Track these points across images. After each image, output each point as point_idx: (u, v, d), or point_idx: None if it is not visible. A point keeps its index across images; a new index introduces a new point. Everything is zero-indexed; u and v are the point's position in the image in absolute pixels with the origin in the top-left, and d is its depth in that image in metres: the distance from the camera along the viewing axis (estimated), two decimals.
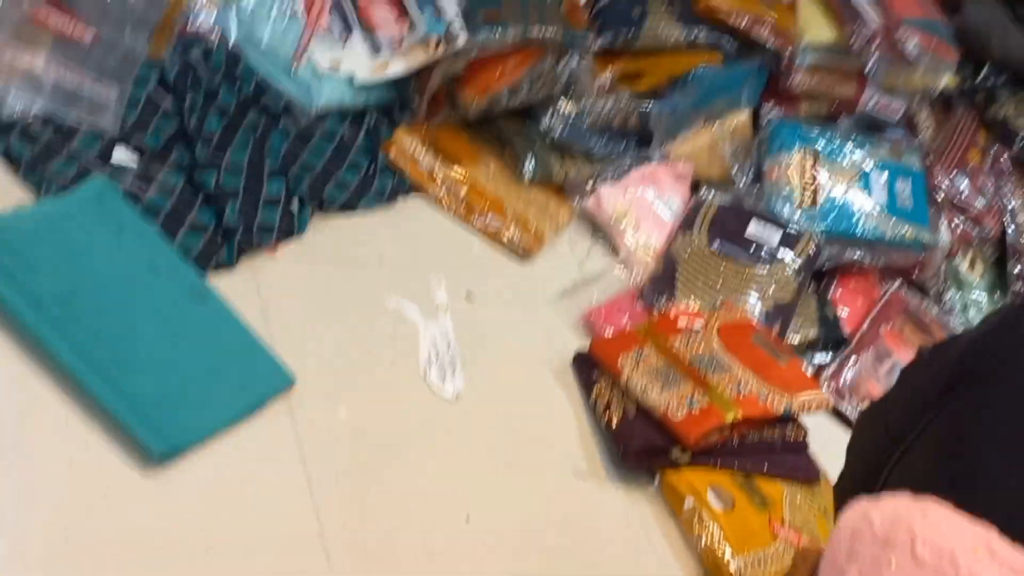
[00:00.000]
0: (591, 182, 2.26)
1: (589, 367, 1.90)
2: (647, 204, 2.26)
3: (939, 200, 2.44)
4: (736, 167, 2.32)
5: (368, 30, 2.18)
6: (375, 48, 2.16)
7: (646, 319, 2.01)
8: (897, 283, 2.34)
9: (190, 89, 1.89)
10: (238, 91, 1.97)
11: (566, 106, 2.25)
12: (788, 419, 1.86)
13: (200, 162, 1.78)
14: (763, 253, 2.15)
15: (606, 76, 2.28)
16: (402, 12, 2.22)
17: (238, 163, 1.83)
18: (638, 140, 2.37)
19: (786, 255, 2.16)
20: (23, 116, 1.66)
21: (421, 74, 2.15)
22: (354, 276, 1.84)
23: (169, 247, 1.59)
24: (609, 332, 1.98)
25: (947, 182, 2.47)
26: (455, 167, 2.14)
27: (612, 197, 2.23)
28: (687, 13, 2.30)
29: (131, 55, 1.85)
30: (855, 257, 2.28)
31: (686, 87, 2.32)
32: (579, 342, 1.97)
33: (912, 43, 2.34)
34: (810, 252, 2.18)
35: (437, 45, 2.12)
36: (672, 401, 1.75)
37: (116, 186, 1.61)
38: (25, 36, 1.74)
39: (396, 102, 2.20)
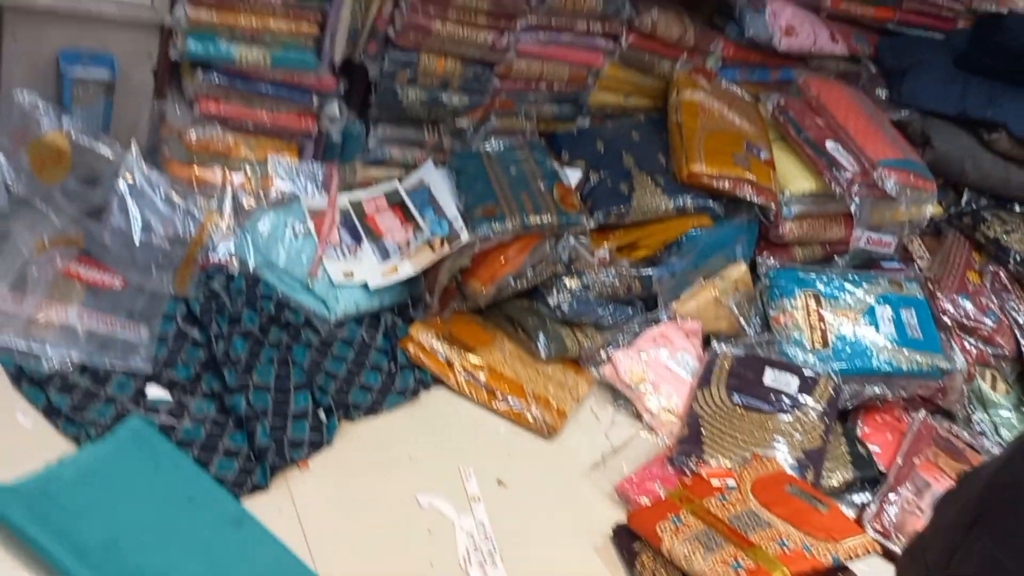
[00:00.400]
0: (605, 350, 2.33)
1: (629, 539, 1.89)
2: (662, 364, 2.31)
3: (948, 325, 2.48)
4: (742, 318, 2.39)
5: (376, 238, 2.32)
6: (384, 254, 2.29)
7: (678, 483, 2.01)
8: (923, 413, 2.35)
9: (215, 317, 1.99)
10: (260, 312, 2.08)
11: (571, 282, 2.34)
12: (838, 569, 1.83)
13: (229, 387, 1.85)
14: (784, 401, 2.18)
15: (604, 250, 2.39)
16: (406, 217, 2.37)
17: (265, 382, 1.91)
18: (644, 304, 2.45)
19: (807, 400, 2.18)
20: (60, 368, 1.76)
21: (429, 272, 2.26)
22: (386, 479, 1.87)
23: (205, 476, 1.64)
24: (644, 501, 1.98)
25: (951, 307, 2.52)
26: (472, 354, 2.21)
27: (627, 362, 2.29)
28: (671, 183, 2.44)
29: (158, 294, 1.97)
30: (876, 392, 2.30)
31: (682, 250, 2.42)
32: (616, 513, 1.97)
33: (891, 181, 2.46)
34: (830, 394, 2.21)
35: (442, 244, 2.25)
36: (717, 567, 1.73)
37: (151, 423, 1.68)
38: (59, 292, 1.87)
39: (409, 301, 2.31)
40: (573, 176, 2.49)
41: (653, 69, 2.64)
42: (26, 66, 2.07)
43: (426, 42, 2.32)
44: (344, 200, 2.41)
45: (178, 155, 2.23)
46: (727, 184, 2.40)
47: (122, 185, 2.07)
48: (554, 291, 2.33)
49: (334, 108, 2.34)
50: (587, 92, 2.63)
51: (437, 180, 2.43)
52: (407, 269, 2.25)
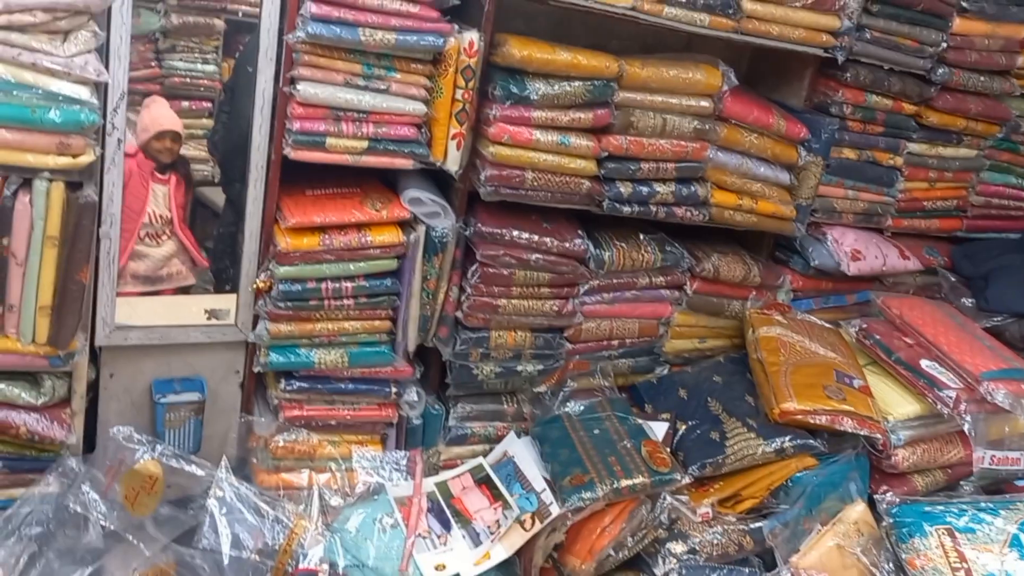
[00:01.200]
0: None
1: None
2: None
3: None
4: (873, 567, 2.16)
5: (465, 522, 2.24)
6: (475, 540, 2.19)
7: None
8: None
9: None
10: None
11: (676, 546, 2.19)
12: None
13: None
14: None
15: (706, 505, 2.25)
16: (494, 495, 2.30)
17: None
18: (762, 561, 2.26)
19: None
20: None
21: (523, 553, 2.15)
22: None
23: None
24: None
25: None
26: None
27: None
28: (765, 425, 2.33)
29: None
30: None
31: (790, 495, 2.27)
32: None
33: (1000, 394, 2.30)
34: None
35: (533, 521, 2.16)
36: None
37: None
38: None
39: None
40: (660, 429, 2.41)
41: (724, 311, 2.63)
42: (122, 401, 2.18)
43: (494, 319, 2.37)
44: (430, 484, 2.37)
45: (265, 463, 2.25)
46: (824, 419, 2.28)
47: (212, 502, 2.08)
48: (659, 559, 2.18)
49: (412, 394, 2.37)
50: (661, 341, 2.62)
51: (521, 451, 2.39)
52: (500, 554, 2.14)
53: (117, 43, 1.88)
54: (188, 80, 2.96)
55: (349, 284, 2.19)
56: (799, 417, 2.30)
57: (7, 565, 1.88)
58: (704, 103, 2.37)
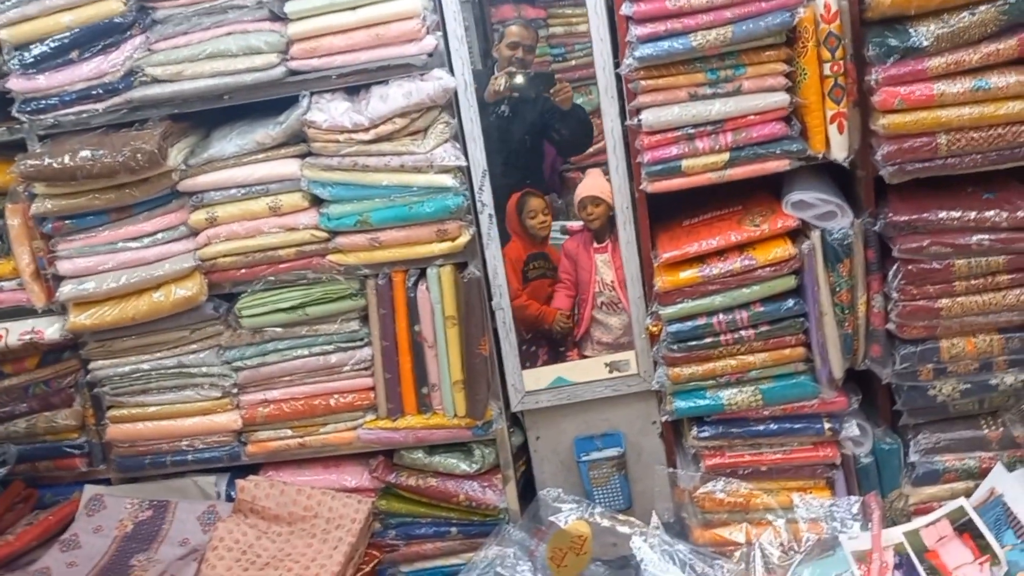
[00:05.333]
0: None
1: None
2: None
3: None
4: None
5: None
6: None
7: None
8: None
9: None
10: None
11: None
12: None
13: None
14: None
15: None
16: (980, 547, 1.81)
17: None
18: None
19: None
20: None
21: None
22: None
23: None
24: None
25: None
26: None
27: None
28: None
29: None
30: None
31: None
32: None
33: None
34: None
35: None
36: None
37: None
38: None
39: None
40: None
41: None
42: (552, 462, 2.23)
43: (939, 325, 1.91)
44: (898, 534, 1.96)
45: (695, 519, 2.10)
46: None
47: (645, 564, 2.00)
48: None
49: (853, 428, 2.02)
50: None
51: (1013, 487, 1.85)
52: None
53: (469, 126, 2.00)
54: None
55: (744, 313, 1.97)
56: None
57: None
58: None
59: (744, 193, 2.07)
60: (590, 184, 2.85)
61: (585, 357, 2.15)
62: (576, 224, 2.77)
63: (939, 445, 2.01)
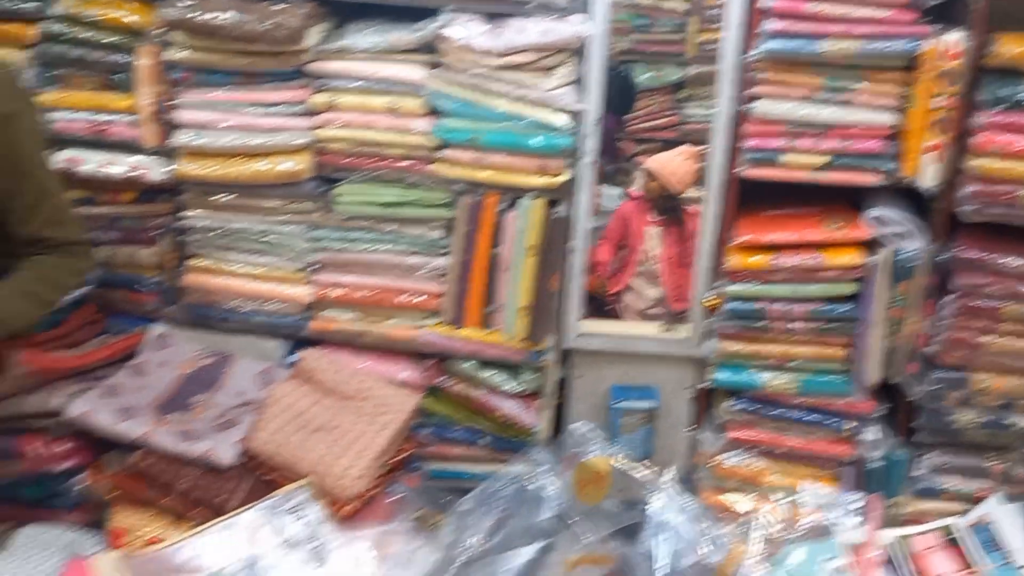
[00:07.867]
0: None
1: None
2: None
3: None
4: None
5: None
6: None
7: None
8: None
9: None
10: None
11: None
12: None
13: None
14: None
15: None
16: (965, 563, 1.98)
17: None
18: None
19: None
20: None
21: None
22: None
23: None
24: None
25: None
26: None
27: None
28: None
29: None
30: None
31: None
32: None
33: None
34: None
35: None
36: None
37: None
38: None
39: None
40: None
41: None
42: (587, 402, 2.39)
43: (976, 359, 2.06)
44: (890, 535, 2.13)
45: (709, 482, 2.26)
46: None
47: (654, 510, 2.15)
48: None
49: (871, 433, 2.17)
50: None
51: (1005, 519, 2.02)
52: None
53: (593, 75, 2.11)
54: (702, 126, 3.13)
55: (801, 307, 2.11)
56: None
57: (479, 528, 2.18)
58: None
59: (825, 198, 2.20)
60: (659, 158, 2.99)
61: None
62: (638, 191, 2.93)
63: (945, 466, 2.17)
